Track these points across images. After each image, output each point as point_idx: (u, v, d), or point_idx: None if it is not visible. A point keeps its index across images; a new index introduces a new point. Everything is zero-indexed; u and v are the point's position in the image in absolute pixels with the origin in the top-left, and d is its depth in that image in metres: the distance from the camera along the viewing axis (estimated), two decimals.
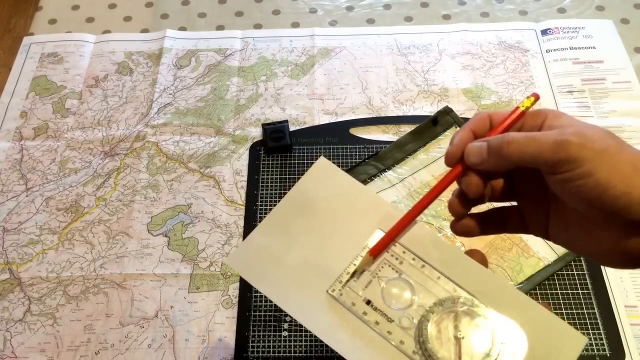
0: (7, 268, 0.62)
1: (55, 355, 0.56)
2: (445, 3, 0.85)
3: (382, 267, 0.36)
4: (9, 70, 0.78)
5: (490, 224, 0.38)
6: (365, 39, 0.80)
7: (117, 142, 0.71)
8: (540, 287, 0.59)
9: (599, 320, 0.57)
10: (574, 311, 0.57)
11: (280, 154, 0.69)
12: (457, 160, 0.36)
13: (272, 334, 0.57)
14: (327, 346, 0.35)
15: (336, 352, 0.33)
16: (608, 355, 0.55)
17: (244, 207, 0.65)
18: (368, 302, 0.35)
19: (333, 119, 0.72)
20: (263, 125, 0.71)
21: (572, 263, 0.60)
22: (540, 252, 0.60)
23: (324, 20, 0.84)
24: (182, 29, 0.82)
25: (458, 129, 0.40)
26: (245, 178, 0.67)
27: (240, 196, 0.66)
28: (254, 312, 0.58)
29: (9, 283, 0.61)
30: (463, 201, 0.37)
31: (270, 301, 0.47)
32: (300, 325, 0.57)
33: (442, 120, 0.69)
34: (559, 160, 0.31)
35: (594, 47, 0.78)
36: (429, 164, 0.67)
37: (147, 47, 0.80)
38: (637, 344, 0.56)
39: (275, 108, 0.73)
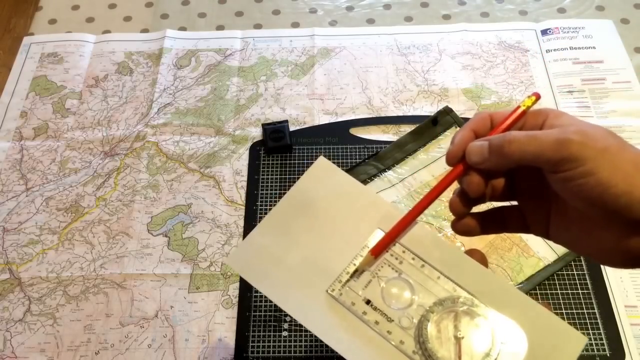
0: (7, 268, 0.62)
1: (55, 355, 0.56)
2: (445, 3, 0.85)
3: (382, 266, 0.36)
4: (9, 70, 0.78)
5: (491, 223, 0.38)
6: (365, 39, 0.80)
7: (117, 142, 0.71)
8: (540, 287, 0.59)
9: (599, 320, 0.57)
10: (574, 311, 0.57)
11: (280, 154, 0.69)
12: (458, 160, 0.36)
13: (272, 334, 0.57)
14: (327, 346, 0.35)
15: (336, 352, 0.33)
16: (608, 355, 0.55)
17: (244, 207, 0.65)
18: (368, 302, 0.35)
19: (333, 119, 0.72)
20: (263, 125, 0.71)
21: (572, 263, 0.60)
22: (540, 252, 0.60)
23: (324, 20, 0.84)
24: (182, 29, 0.82)
25: (458, 129, 0.40)
26: (245, 178, 0.67)
27: (240, 196, 0.66)
28: (254, 312, 0.58)
29: (9, 283, 0.61)
30: (464, 200, 0.36)
31: (270, 301, 0.47)
32: (300, 325, 0.56)
33: (442, 120, 0.69)
34: (560, 158, 0.31)
35: (594, 47, 0.78)
36: (429, 164, 0.67)
37: (147, 47, 0.80)
38: (637, 344, 0.55)
39: (275, 108, 0.73)
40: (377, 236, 0.37)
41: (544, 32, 0.80)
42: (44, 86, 0.76)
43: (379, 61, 0.77)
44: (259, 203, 0.65)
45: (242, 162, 0.69)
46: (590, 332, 0.56)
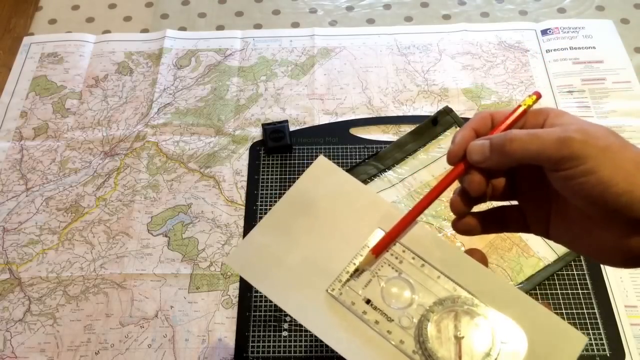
0: (7, 268, 0.62)
1: (55, 355, 0.56)
2: (445, 3, 0.85)
3: (382, 266, 0.36)
4: (9, 70, 0.78)
5: (492, 222, 0.38)
6: (365, 39, 0.80)
7: (117, 142, 0.71)
8: (540, 287, 0.59)
9: (599, 320, 0.57)
10: (574, 311, 0.57)
11: (280, 154, 0.69)
12: (459, 159, 0.36)
13: (272, 334, 0.57)
14: (327, 346, 0.35)
15: (336, 352, 0.33)
16: (608, 355, 0.55)
17: (244, 207, 0.65)
18: (368, 302, 0.35)
19: (333, 119, 0.72)
20: (263, 125, 0.70)
21: (572, 263, 0.60)
22: (540, 252, 0.60)
23: (324, 20, 0.84)
24: (182, 29, 0.82)
25: (458, 128, 0.40)
26: (245, 178, 0.67)
27: (240, 196, 0.66)
28: (254, 312, 0.58)
29: (9, 283, 0.61)
30: (465, 200, 0.36)
31: (270, 301, 0.46)
32: (300, 325, 0.56)
33: (442, 120, 0.69)
34: (562, 157, 0.31)
35: (594, 47, 0.78)
36: (429, 164, 0.67)
37: (147, 47, 0.80)
38: (637, 344, 0.55)
39: (275, 108, 0.73)
40: (378, 236, 0.37)
41: (544, 32, 0.80)
42: (44, 86, 0.76)
43: (379, 61, 0.77)
44: (259, 203, 0.65)
45: (242, 162, 0.69)
46: (590, 332, 0.56)
